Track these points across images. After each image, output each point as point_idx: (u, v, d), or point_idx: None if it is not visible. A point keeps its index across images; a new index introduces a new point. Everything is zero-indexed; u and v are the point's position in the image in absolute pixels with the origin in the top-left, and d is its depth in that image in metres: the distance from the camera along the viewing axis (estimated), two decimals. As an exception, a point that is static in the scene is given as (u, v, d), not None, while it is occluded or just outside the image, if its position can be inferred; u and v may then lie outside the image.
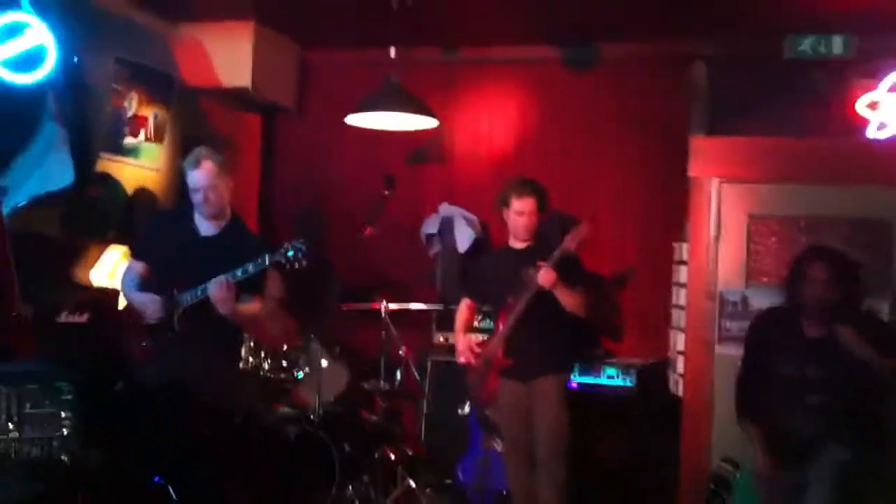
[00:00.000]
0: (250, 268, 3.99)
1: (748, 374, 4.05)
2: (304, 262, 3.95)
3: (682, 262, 4.89)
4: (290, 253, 3.93)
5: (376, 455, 5.30)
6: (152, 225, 4.70)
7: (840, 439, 3.71)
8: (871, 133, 4.83)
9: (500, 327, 4.56)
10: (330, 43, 6.48)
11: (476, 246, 5.97)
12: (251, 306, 4.20)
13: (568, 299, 4.43)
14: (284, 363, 5.24)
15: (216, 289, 3.98)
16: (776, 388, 3.87)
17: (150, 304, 4.19)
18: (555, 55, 6.18)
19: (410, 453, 5.50)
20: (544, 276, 4.34)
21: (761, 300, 4.49)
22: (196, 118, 6.10)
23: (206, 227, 4.27)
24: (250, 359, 5.18)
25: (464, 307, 4.85)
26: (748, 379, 4.04)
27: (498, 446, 5.01)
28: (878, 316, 4.23)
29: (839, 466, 3.67)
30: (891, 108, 4.80)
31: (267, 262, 3.99)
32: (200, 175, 4.15)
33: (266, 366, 5.20)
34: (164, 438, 4.18)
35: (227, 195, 4.24)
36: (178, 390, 4.12)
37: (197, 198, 4.17)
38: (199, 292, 4.05)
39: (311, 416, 5.11)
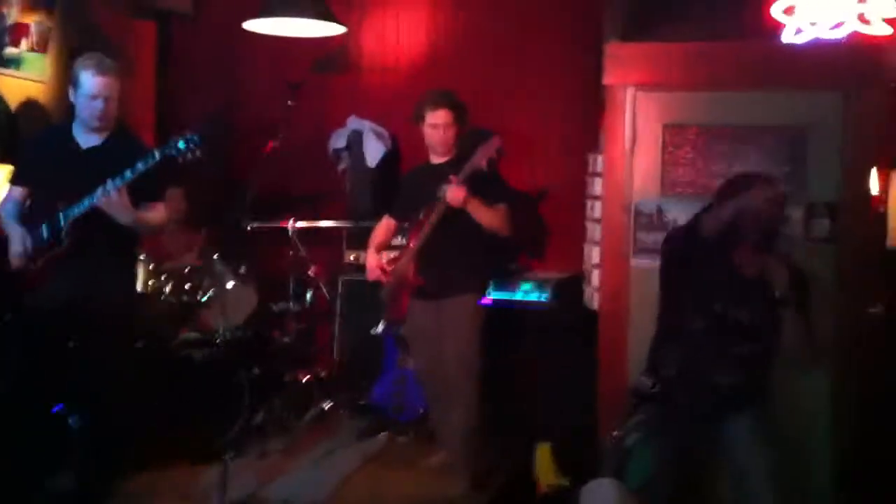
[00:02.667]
0: (139, 166, 3.79)
1: (669, 309, 3.61)
2: (198, 154, 3.78)
3: (597, 174, 4.78)
4: (182, 144, 3.77)
5: (288, 378, 5.17)
6: (28, 146, 4.42)
7: (761, 395, 3.48)
8: (788, 38, 4.73)
9: (412, 244, 4.44)
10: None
11: (386, 161, 5.77)
12: (152, 213, 4.02)
13: (484, 217, 4.32)
14: (188, 285, 5.02)
15: (108, 195, 3.78)
16: (698, 331, 3.45)
17: (17, 241, 3.98)
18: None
19: (323, 374, 5.39)
20: (452, 193, 4.22)
21: (676, 212, 4.42)
22: (84, 25, 5.70)
23: (87, 139, 4.04)
24: (150, 281, 4.95)
25: (382, 225, 4.73)
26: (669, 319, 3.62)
27: (412, 365, 4.92)
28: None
29: (759, 422, 3.45)
30: (807, 13, 4.69)
31: (157, 157, 3.81)
32: (102, 82, 3.92)
33: (168, 289, 4.98)
34: (61, 366, 4.00)
35: (115, 106, 4.03)
36: (73, 314, 3.93)
37: (93, 106, 3.94)
38: (88, 202, 3.83)
39: (218, 340, 4.92)
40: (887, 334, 4.06)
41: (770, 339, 3.39)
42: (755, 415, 3.42)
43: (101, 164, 3.94)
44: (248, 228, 5.40)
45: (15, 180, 4.20)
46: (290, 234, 5.31)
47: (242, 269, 5.21)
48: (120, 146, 4.04)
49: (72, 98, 4.04)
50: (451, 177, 4.26)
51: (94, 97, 3.93)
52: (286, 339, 5.33)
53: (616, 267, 4.51)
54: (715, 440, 3.45)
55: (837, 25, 4.63)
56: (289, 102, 5.23)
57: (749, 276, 3.42)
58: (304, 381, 5.24)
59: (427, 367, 4.55)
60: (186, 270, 5.02)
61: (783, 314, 3.35)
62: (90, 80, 3.91)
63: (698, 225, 3.52)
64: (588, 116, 5.18)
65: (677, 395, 3.45)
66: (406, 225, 4.69)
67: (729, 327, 3.39)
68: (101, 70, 3.92)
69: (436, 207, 4.30)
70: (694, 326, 3.43)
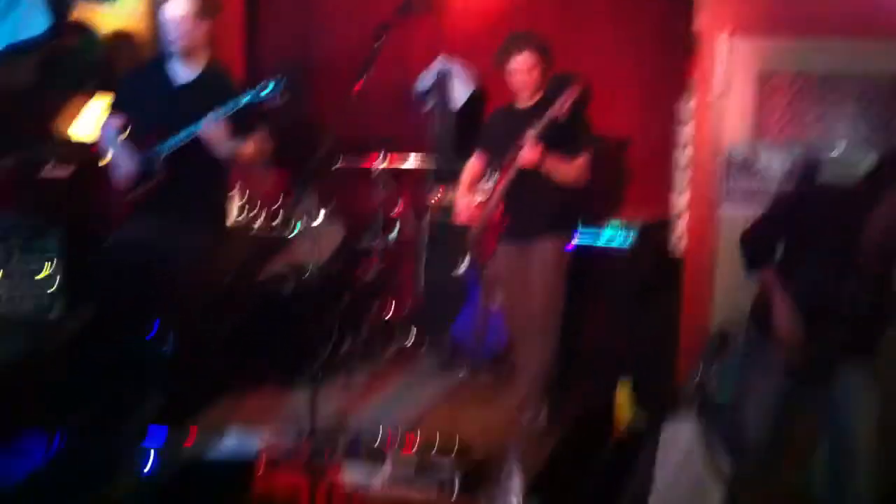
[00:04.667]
0: (237, 101, 3.92)
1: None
2: (287, 96, 3.90)
3: (684, 123, 4.76)
4: (272, 86, 3.86)
5: (373, 311, 5.28)
6: (127, 77, 4.55)
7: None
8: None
9: (498, 187, 4.46)
10: None
11: (472, 101, 5.78)
12: (247, 146, 4.12)
13: (559, 173, 4.30)
14: (277, 221, 5.14)
15: (210, 128, 3.89)
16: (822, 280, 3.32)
17: (127, 159, 4.08)
18: None
19: (407, 310, 5.49)
20: (526, 155, 4.22)
21: (769, 159, 4.39)
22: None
23: (182, 73, 4.17)
24: (240, 216, 5.08)
25: (471, 164, 4.71)
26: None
27: (496, 304, 4.99)
28: None
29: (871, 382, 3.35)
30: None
31: (250, 98, 3.93)
32: (173, 6, 4.04)
33: (258, 223, 5.10)
34: (154, 295, 4.14)
35: (202, 34, 4.15)
36: (164, 246, 4.06)
37: (170, 32, 4.07)
38: (188, 134, 3.95)
39: (306, 274, 5.04)
40: None
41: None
42: (867, 374, 3.35)
43: (195, 99, 4.06)
44: (335, 167, 5.46)
45: (114, 108, 4.32)
46: (375, 172, 5.37)
47: (330, 206, 5.30)
48: (211, 82, 4.16)
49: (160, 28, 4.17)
50: (526, 135, 4.23)
51: (167, 23, 4.06)
52: (371, 275, 5.42)
53: (703, 213, 4.51)
54: (817, 397, 3.40)
55: (943, -28, 4.52)
56: (375, 45, 5.25)
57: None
58: (387, 316, 5.34)
59: (512, 306, 4.59)
60: (275, 206, 5.13)
61: None
62: (162, 8, 4.08)
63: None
64: (677, 61, 5.12)
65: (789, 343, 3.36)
66: (493, 165, 4.71)
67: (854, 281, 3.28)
68: None
69: (517, 154, 4.28)
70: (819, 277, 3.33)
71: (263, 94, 3.92)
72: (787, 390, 3.40)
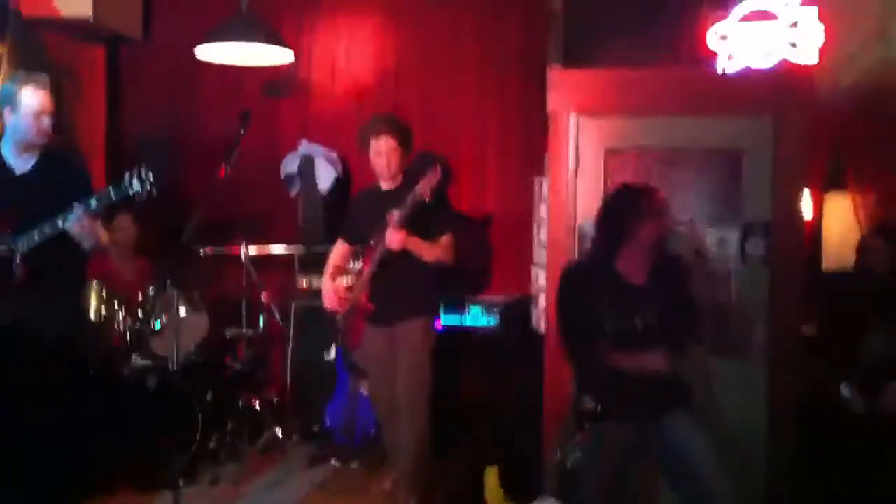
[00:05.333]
0: (102, 198, 3.81)
1: (574, 337, 3.67)
2: (153, 191, 3.80)
3: (543, 198, 4.89)
4: (135, 183, 3.80)
5: (240, 404, 5.21)
6: None
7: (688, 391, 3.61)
8: (722, 64, 4.89)
9: (364, 271, 4.49)
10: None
11: (339, 185, 5.83)
12: (114, 235, 4.05)
13: (425, 254, 4.37)
14: (140, 312, 5.04)
15: (79, 222, 3.79)
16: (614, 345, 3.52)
17: None
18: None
19: (275, 400, 5.43)
20: (391, 238, 4.26)
21: (619, 234, 4.55)
22: (35, 50, 5.70)
23: (19, 162, 4.01)
24: (103, 308, 4.97)
25: (337, 248, 4.74)
26: (576, 343, 3.67)
27: (365, 390, 4.99)
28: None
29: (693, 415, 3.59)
30: (740, 40, 4.86)
31: (112, 195, 3.82)
32: (42, 97, 3.91)
33: (120, 316, 5.00)
34: (11, 390, 4.00)
35: (49, 127, 4.01)
36: (24, 340, 3.93)
37: (40, 122, 3.92)
38: (49, 229, 3.82)
39: (171, 366, 4.95)
40: (819, 354, 4.19)
41: (677, 335, 3.52)
42: (689, 409, 3.56)
43: (39, 188, 3.94)
44: (200, 254, 5.41)
45: None
46: (242, 259, 5.34)
47: (195, 296, 5.24)
48: (54, 167, 4.03)
49: (6, 120, 3.99)
50: (390, 217, 4.27)
51: (30, 114, 3.90)
52: (238, 365, 5.36)
53: (561, 289, 4.61)
54: (651, 441, 3.56)
55: (769, 53, 4.82)
56: (240, 131, 5.26)
57: (639, 283, 3.57)
58: (256, 406, 5.26)
59: (380, 390, 4.58)
60: (139, 297, 5.04)
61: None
62: (33, 96, 3.89)
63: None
64: (534, 141, 5.30)
65: (610, 407, 3.54)
66: (359, 248, 4.74)
67: (640, 334, 3.49)
68: (42, 85, 3.92)
69: (382, 237, 4.33)
70: (609, 343, 3.51)
71: (133, 188, 3.83)
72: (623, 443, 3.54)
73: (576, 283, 3.69)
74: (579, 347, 3.65)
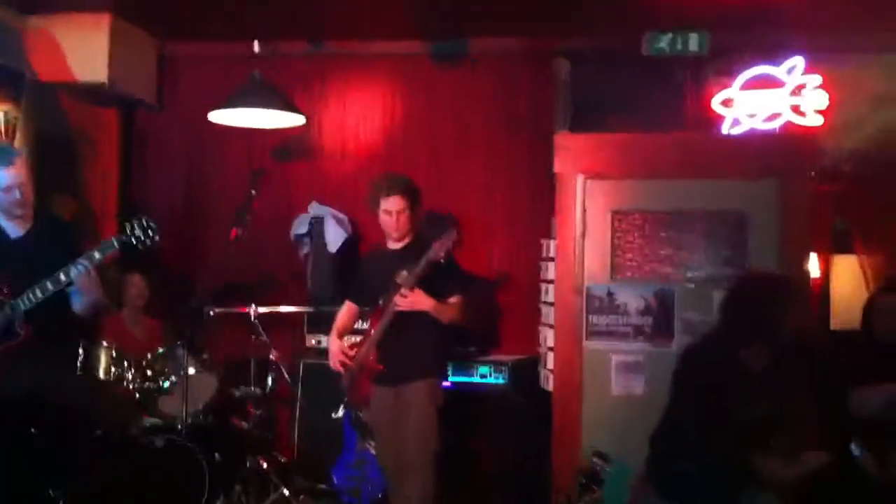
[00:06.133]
0: (106, 247, 3.86)
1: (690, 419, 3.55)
2: (156, 239, 3.85)
3: (550, 259, 4.95)
4: (137, 231, 3.83)
5: (248, 463, 5.19)
6: None
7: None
8: (726, 129, 4.99)
9: (372, 331, 4.50)
10: (192, 36, 6.28)
11: (348, 246, 5.89)
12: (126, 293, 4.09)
13: (439, 315, 4.38)
14: (149, 372, 5.04)
15: (82, 274, 3.83)
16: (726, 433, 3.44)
17: None
18: (422, 50, 6.16)
19: (283, 460, 5.41)
20: (403, 299, 4.29)
21: (626, 295, 4.60)
22: (51, 114, 5.84)
23: (13, 228, 4.08)
24: (112, 369, 4.98)
25: (344, 310, 4.76)
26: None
27: (373, 449, 4.97)
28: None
29: None
30: (744, 106, 4.97)
31: (115, 244, 3.87)
32: (13, 172, 3.97)
33: (129, 376, 5.00)
34: (19, 453, 4.00)
35: (31, 197, 4.09)
36: (29, 402, 3.95)
37: (10, 196, 3.98)
38: (52, 284, 3.86)
39: (179, 426, 4.95)
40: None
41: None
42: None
43: (36, 250, 4.00)
44: (210, 314, 5.45)
45: None
46: (251, 319, 5.37)
47: (204, 355, 5.26)
48: (48, 233, 4.09)
49: None
50: (399, 278, 4.32)
51: (7, 189, 3.97)
52: (246, 425, 5.35)
53: (569, 348, 4.65)
54: None
55: (773, 117, 4.92)
56: (251, 191, 5.35)
57: (758, 371, 3.48)
58: (264, 466, 5.24)
59: (387, 450, 4.56)
60: (148, 357, 5.05)
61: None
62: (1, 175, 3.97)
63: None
64: (541, 203, 5.37)
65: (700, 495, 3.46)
66: (367, 309, 4.77)
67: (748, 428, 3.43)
68: (5, 162, 3.98)
69: (392, 298, 4.35)
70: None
71: (132, 239, 3.87)
72: None
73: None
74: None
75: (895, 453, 3.88)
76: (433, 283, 4.34)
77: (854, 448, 3.93)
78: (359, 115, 6.35)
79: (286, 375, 5.48)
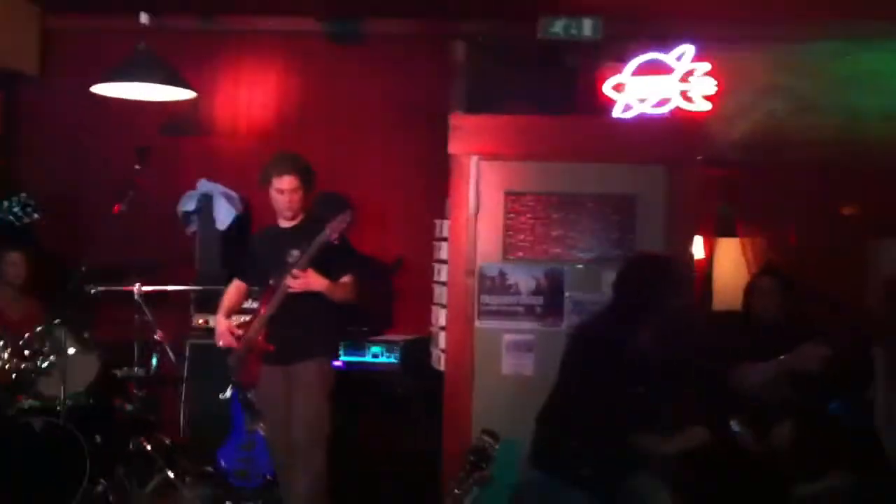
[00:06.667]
0: None
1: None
2: (35, 216, 3.71)
3: (443, 239, 4.95)
4: (17, 208, 3.69)
5: (131, 446, 5.05)
6: None
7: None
8: (617, 113, 5.06)
9: (262, 311, 4.43)
10: (76, 7, 6.04)
11: (238, 224, 5.77)
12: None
13: (332, 294, 4.35)
14: (27, 352, 4.85)
15: None
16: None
17: None
18: (318, 28, 6.07)
19: (168, 442, 5.28)
20: (294, 280, 4.25)
21: (518, 275, 4.64)
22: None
23: None
24: (-12, 347, 4.78)
25: (231, 288, 4.69)
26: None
27: (261, 431, 4.90)
28: None
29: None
30: (635, 91, 5.04)
31: None
32: None
33: (6, 355, 4.80)
34: None
35: None
36: None
37: None
38: None
39: (58, 408, 4.78)
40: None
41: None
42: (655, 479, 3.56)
43: None
44: (92, 292, 5.26)
45: None
46: (135, 297, 5.21)
47: (85, 335, 5.09)
48: None
49: None
50: (291, 258, 4.29)
51: None
52: (130, 407, 5.20)
53: (461, 328, 4.66)
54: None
55: (662, 102, 5.01)
56: (136, 167, 5.17)
57: (642, 350, 3.55)
58: (148, 448, 5.11)
59: (276, 432, 4.50)
60: (26, 336, 4.86)
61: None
62: None
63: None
64: (435, 183, 5.35)
65: (581, 470, 3.52)
66: (256, 288, 4.68)
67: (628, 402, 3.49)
68: None
69: (284, 277, 4.29)
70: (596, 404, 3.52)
71: (10, 215, 3.73)
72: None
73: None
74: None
75: (773, 430, 4.03)
76: (326, 263, 4.31)
77: (733, 425, 4.06)
78: (251, 93, 6.24)
79: (171, 356, 5.35)
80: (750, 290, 4.40)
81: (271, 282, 4.41)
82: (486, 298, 4.66)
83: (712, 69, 5.06)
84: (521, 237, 4.71)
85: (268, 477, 4.96)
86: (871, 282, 5.19)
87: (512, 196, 4.74)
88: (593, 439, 3.49)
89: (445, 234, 4.90)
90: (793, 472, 3.96)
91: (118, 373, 5.25)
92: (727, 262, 5.45)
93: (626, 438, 3.49)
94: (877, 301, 5.07)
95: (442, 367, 4.75)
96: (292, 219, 4.51)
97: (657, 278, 3.63)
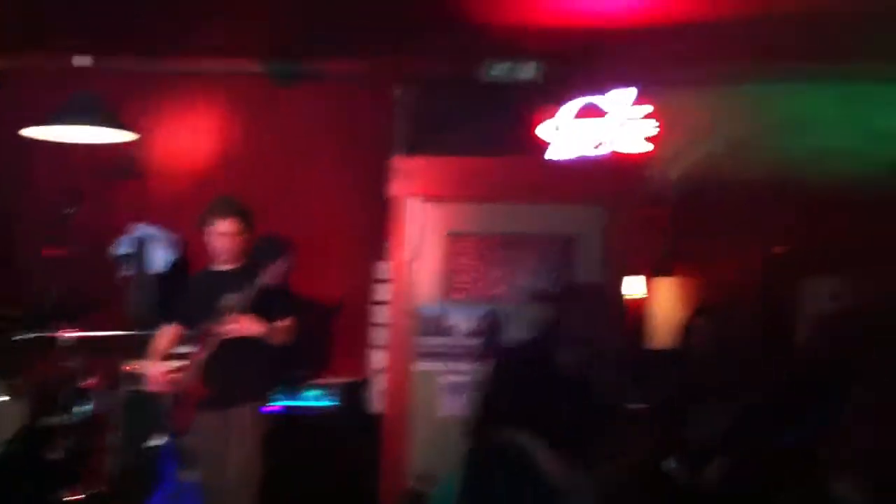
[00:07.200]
0: None
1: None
2: None
3: (383, 281, 4.90)
4: None
5: (59, 496, 4.88)
6: None
7: None
8: (558, 155, 5.09)
9: (199, 355, 4.33)
10: (15, 47, 5.94)
11: (174, 267, 5.66)
12: None
13: (270, 337, 4.27)
14: (-50, 400, 4.70)
15: None
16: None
17: None
18: (259, 69, 6.03)
19: (97, 491, 5.11)
20: (231, 325, 4.19)
21: (457, 316, 4.60)
22: None
23: None
24: None
25: (164, 332, 4.57)
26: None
27: (193, 478, 4.75)
28: None
29: None
30: (572, 133, 5.09)
31: None
32: None
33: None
34: None
35: None
36: None
37: None
38: None
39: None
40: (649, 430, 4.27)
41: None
42: None
43: None
44: (20, 339, 5.11)
45: None
46: (65, 343, 5.07)
47: (12, 383, 4.93)
48: None
49: None
50: (228, 302, 4.22)
51: None
52: (57, 455, 5.03)
53: (400, 370, 4.61)
54: None
55: (601, 144, 5.05)
56: (68, 209, 5.07)
57: (575, 377, 3.53)
58: (76, 499, 4.94)
59: (210, 479, 4.38)
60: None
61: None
62: None
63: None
64: (377, 226, 5.31)
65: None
66: (191, 332, 4.58)
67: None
68: None
69: (221, 321, 4.21)
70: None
71: None
72: None
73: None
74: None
75: (708, 469, 4.00)
76: (264, 307, 4.24)
77: (669, 461, 4.03)
78: (192, 134, 6.15)
79: (101, 402, 5.19)
80: (687, 329, 4.41)
81: (208, 325, 4.32)
82: (424, 340, 4.62)
83: (651, 112, 5.14)
84: (462, 278, 4.69)
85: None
86: (801, 319, 5.25)
87: (453, 237, 4.72)
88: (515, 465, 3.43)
89: (386, 275, 4.86)
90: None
91: (46, 421, 5.08)
92: (665, 302, 5.48)
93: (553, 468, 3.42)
94: (806, 338, 5.11)
95: (380, 410, 4.68)
96: (231, 262, 4.45)
97: (579, 304, 3.61)
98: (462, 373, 4.55)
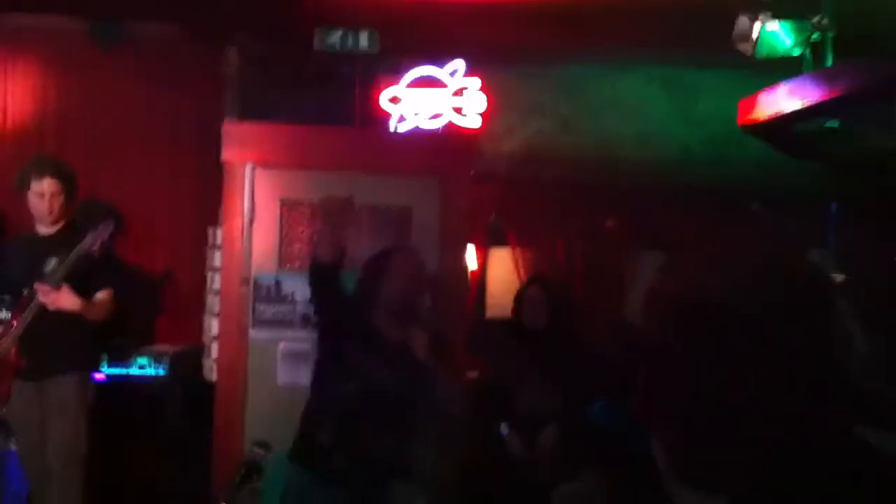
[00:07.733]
0: None
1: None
2: None
3: (217, 247, 4.82)
4: None
5: None
6: None
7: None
8: (393, 125, 5.14)
9: (15, 323, 4.12)
10: None
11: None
12: None
13: (86, 314, 4.11)
14: None
15: None
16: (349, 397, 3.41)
17: None
18: (80, 27, 5.74)
19: None
20: (46, 297, 3.99)
21: (293, 285, 4.58)
22: None
23: None
24: None
25: None
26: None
27: (14, 449, 4.55)
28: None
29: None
30: (410, 103, 5.15)
31: None
32: None
33: None
34: None
35: None
36: None
37: None
38: None
39: None
40: (482, 398, 4.39)
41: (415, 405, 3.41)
42: (414, 484, 3.43)
43: None
44: None
45: None
46: None
47: None
48: None
49: None
50: (46, 271, 4.05)
51: None
52: None
53: (234, 338, 4.56)
54: None
55: (436, 116, 5.14)
56: None
57: (395, 341, 3.45)
58: None
59: (30, 451, 4.22)
60: None
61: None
62: None
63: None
64: (210, 192, 5.21)
65: (333, 463, 3.35)
66: (8, 298, 4.35)
67: (378, 392, 3.36)
68: None
69: (37, 291, 4.02)
70: (344, 392, 3.39)
71: None
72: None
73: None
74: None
75: (538, 440, 4.16)
76: (86, 276, 4.09)
77: (502, 428, 4.18)
78: (7, 93, 5.79)
79: None
80: (519, 299, 4.56)
81: (25, 292, 4.11)
82: (261, 307, 4.58)
83: (483, 87, 5.26)
84: (298, 246, 4.66)
85: (23, 497, 4.61)
86: (630, 292, 5.53)
87: (287, 205, 4.69)
88: (345, 433, 3.35)
89: (219, 242, 4.78)
90: (554, 475, 4.10)
91: None
92: (499, 272, 5.64)
93: (382, 435, 3.37)
94: (636, 311, 5.40)
95: (214, 378, 4.62)
96: (52, 225, 4.24)
97: (388, 265, 3.53)
98: (300, 340, 4.53)
